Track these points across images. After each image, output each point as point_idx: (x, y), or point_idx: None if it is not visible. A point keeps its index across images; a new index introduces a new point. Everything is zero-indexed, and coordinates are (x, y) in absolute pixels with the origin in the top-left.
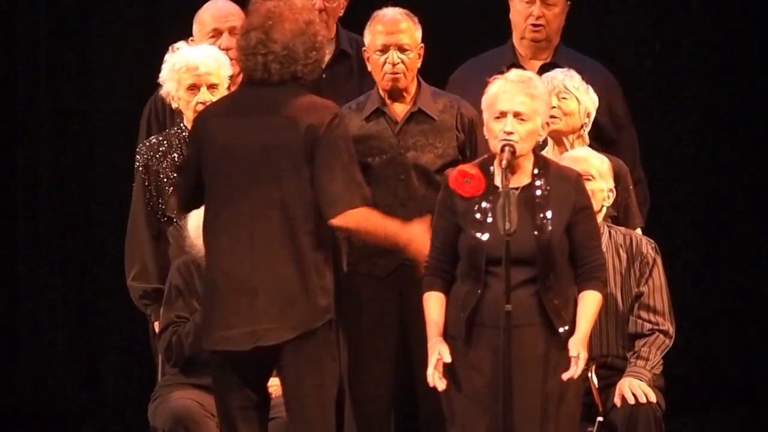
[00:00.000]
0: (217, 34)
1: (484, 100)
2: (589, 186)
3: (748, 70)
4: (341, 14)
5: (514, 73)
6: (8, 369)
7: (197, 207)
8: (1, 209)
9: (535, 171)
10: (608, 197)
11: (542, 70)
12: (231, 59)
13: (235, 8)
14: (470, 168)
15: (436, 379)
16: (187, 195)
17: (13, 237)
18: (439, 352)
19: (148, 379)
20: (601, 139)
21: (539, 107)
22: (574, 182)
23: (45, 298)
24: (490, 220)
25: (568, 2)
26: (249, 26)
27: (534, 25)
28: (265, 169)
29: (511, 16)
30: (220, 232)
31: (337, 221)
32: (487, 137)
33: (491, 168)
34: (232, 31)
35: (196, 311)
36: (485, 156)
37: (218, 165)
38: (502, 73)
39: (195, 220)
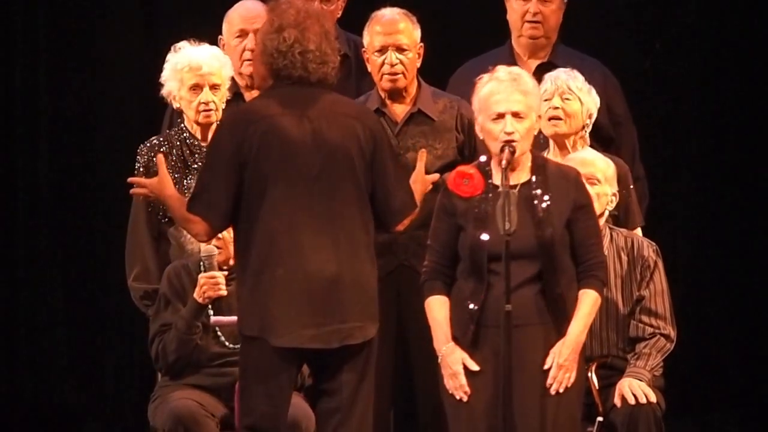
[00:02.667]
0: (243, 34)
1: (477, 102)
2: (594, 190)
3: (748, 70)
4: (339, 16)
5: (502, 71)
6: (8, 369)
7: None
8: (1, 209)
9: (534, 169)
10: (611, 201)
11: (539, 70)
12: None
13: (264, 11)
14: (468, 168)
15: (461, 392)
16: (228, 208)
17: (13, 237)
18: (462, 361)
19: (148, 379)
20: (598, 137)
21: (533, 103)
22: (573, 180)
23: (45, 298)
24: (489, 218)
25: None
26: (280, 26)
27: (531, 22)
28: (340, 168)
29: (508, 16)
30: (299, 232)
31: (401, 226)
32: (482, 139)
33: (489, 167)
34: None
35: (177, 317)
36: (482, 156)
37: (285, 163)
38: (487, 72)
39: None
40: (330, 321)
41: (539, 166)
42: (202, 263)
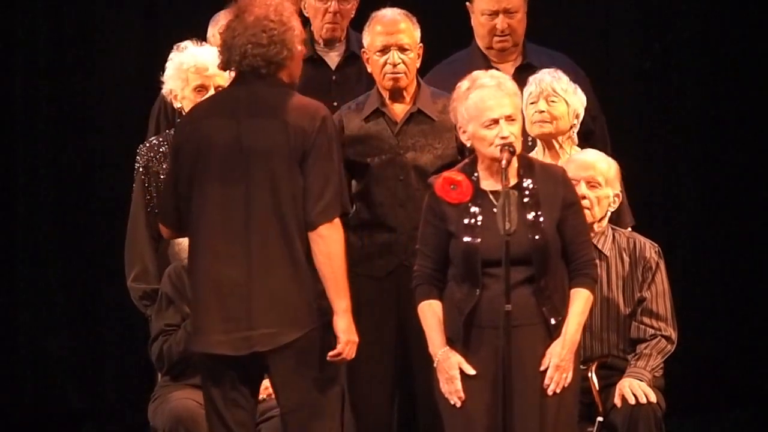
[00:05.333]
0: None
1: (466, 111)
2: (595, 193)
3: (748, 70)
4: (353, 16)
5: (484, 77)
6: (8, 369)
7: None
8: (1, 209)
9: (521, 171)
10: (614, 202)
11: (518, 71)
12: None
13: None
14: (455, 174)
15: (455, 397)
16: (173, 210)
17: (13, 237)
18: (459, 365)
19: (148, 379)
20: (578, 132)
21: (519, 103)
22: (560, 179)
23: (45, 299)
24: (480, 223)
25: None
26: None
27: (500, 36)
28: (259, 173)
29: (473, 25)
30: (215, 236)
31: (323, 230)
32: (472, 145)
33: (475, 172)
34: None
35: (188, 318)
36: (466, 160)
37: (209, 168)
38: (458, 76)
39: None
40: (238, 328)
41: (526, 167)
42: None
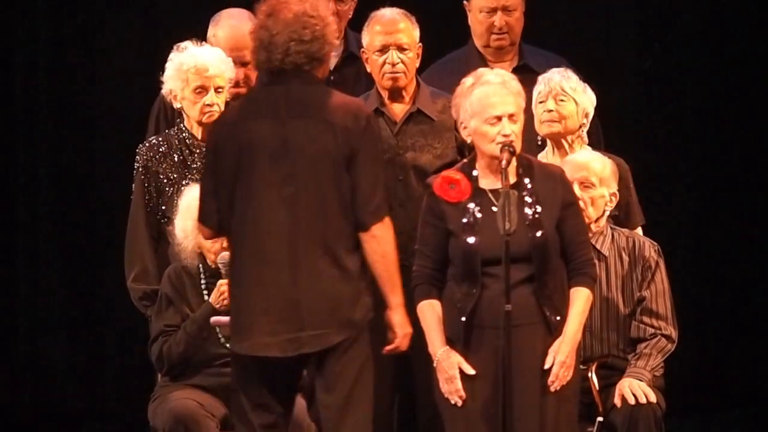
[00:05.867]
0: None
1: (470, 106)
2: (589, 194)
3: (748, 70)
4: (350, 17)
5: (490, 74)
6: (8, 369)
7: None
8: (1, 209)
9: (520, 170)
10: (611, 201)
11: (515, 73)
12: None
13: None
14: (454, 173)
15: (456, 397)
16: (215, 211)
17: (13, 237)
18: (458, 365)
19: (148, 379)
20: None
21: (522, 103)
22: (559, 179)
23: (45, 298)
24: (479, 222)
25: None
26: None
27: (498, 34)
28: (305, 173)
29: (470, 23)
30: (260, 238)
31: (376, 229)
32: (473, 142)
33: (474, 171)
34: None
35: (187, 319)
36: (465, 159)
37: (254, 169)
38: (457, 74)
39: (182, 221)
40: (286, 329)
41: (525, 167)
42: (201, 271)
